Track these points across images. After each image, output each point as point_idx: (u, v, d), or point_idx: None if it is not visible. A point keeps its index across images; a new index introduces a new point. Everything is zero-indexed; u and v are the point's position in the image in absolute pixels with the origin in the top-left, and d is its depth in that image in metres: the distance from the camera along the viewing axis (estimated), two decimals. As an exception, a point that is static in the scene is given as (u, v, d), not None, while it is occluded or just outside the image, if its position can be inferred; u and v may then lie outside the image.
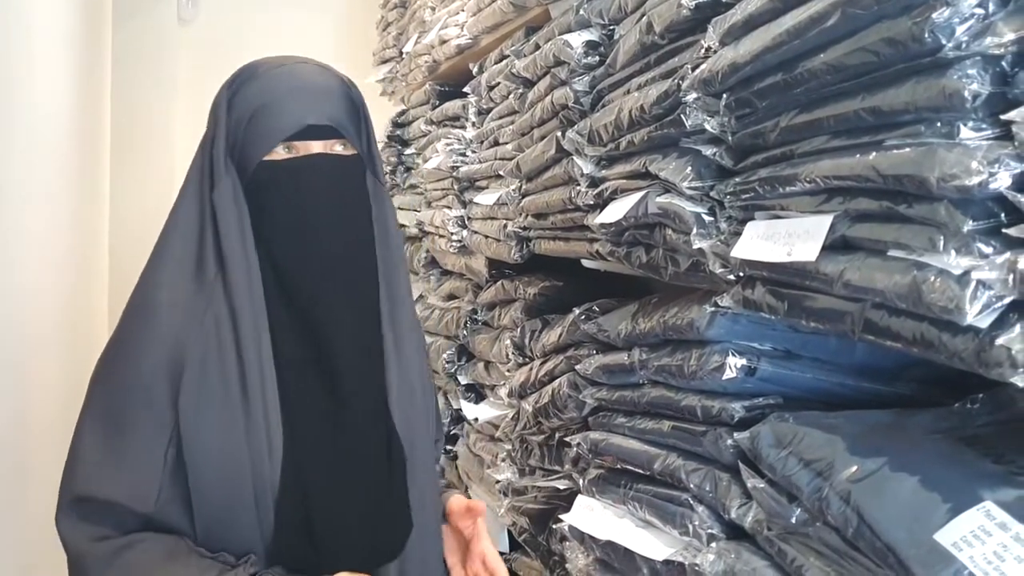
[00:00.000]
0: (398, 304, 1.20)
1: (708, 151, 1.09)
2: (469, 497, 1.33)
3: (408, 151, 3.09)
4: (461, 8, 2.44)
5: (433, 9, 2.73)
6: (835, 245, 0.87)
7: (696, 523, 1.10)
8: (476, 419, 2.16)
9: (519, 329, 1.88)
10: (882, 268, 0.80)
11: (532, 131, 1.77)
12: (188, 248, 1.12)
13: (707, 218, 1.10)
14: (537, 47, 1.74)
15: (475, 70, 2.28)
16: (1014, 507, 0.76)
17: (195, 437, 1.05)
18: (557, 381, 1.61)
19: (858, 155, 0.82)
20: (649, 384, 1.28)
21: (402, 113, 3.20)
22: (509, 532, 2.00)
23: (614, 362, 1.36)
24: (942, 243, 0.73)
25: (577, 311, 1.59)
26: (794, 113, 0.93)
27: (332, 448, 1.10)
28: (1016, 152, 0.69)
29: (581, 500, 1.43)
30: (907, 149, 0.76)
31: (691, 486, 1.12)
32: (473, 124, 2.33)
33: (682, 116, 1.11)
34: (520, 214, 1.87)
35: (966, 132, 0.72)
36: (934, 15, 0.71)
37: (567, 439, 1.53)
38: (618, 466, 1.33)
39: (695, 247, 1.10)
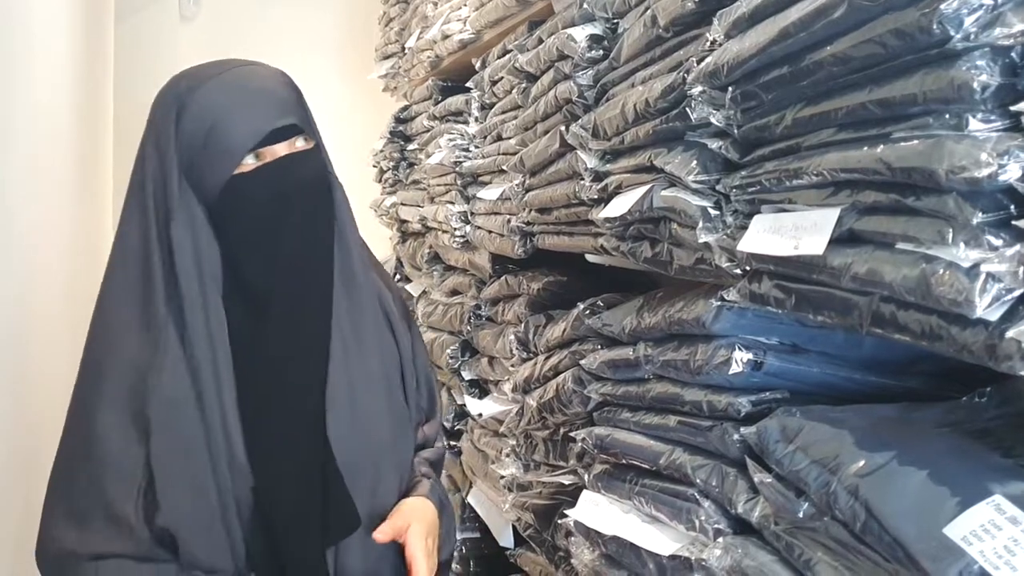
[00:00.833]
0: (355, 295, 1.19)
1: (714, 144, 1.08)
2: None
3: (411, 147, 3.10)
4: (463, 3, 2.44)
5: (435, 4, 2.73)
6: (842, 238, 0.86)
7: (703, 518, 1.09)
8: (480, 415, 2.16)
9: (523, 324, 1.88)
10: (890, 261, 0.79)
11: (536, 126, 1.76)
12: (138, 289, 1.11)
13: (713, 212, 1.09)
14: (540, 41, 1.73)
15: (478, 65, 2.28)
16: (1024, 501, 0.76)
17: (166, 486, 1.07)
18: (561, 376, 1.61)
19: (866, 148, 0.82)
20: (654, 379, 1.27)
21: (404, 109, 3.20)
22: (514, 528, 2.00)
23: (619, 357, 1.36)
24: (951, 236, 0.72)
25: (581, 306, 1.59)
26: (801, 106, 0.93)
27: (271, 457, 1.12)
28: (1026, 144, 0.68)
29: (586, 495, 1.43)
30: (915, 141, 0.76)
31: (697, 481, 1.12)
32: (476, 119, 2.32)
33: (687, 110, 1.10)
34: (524, 209, 1.86)
35: (975, 124, 0.71)
36: (942, 6, 0.71)
37: (572, 434, 1.53)
38: (623, 461, 1.33)
39: (701, 241, 1.09)
